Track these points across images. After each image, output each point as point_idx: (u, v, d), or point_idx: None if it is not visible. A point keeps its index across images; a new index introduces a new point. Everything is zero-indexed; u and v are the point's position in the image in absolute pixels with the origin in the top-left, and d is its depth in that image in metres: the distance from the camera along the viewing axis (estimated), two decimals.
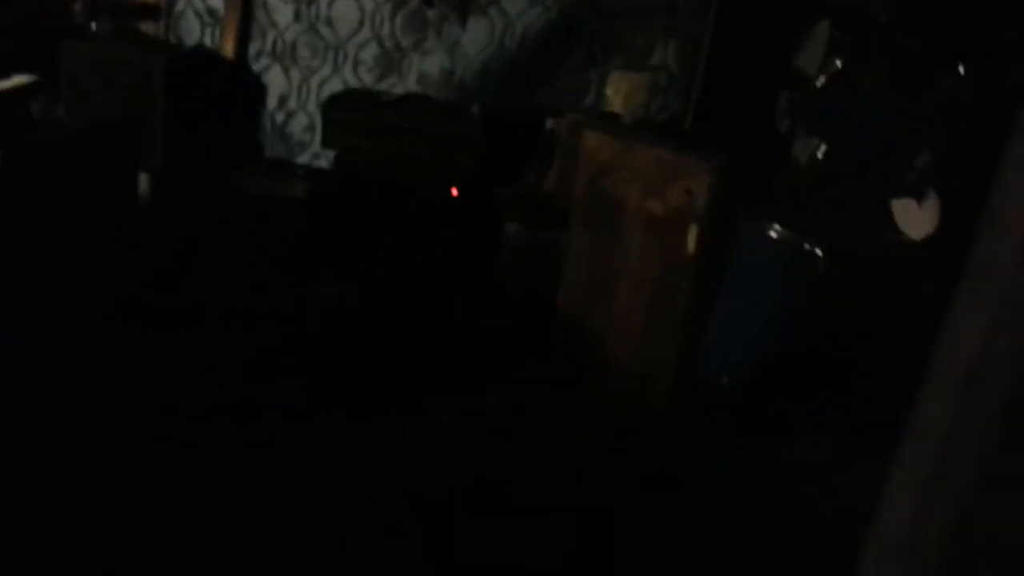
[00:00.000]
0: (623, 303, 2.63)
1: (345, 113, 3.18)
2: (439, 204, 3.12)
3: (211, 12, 3.66)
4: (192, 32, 3.74)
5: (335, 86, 3.61)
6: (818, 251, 2.13)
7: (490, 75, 3.52)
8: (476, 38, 3.50)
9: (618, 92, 3.39)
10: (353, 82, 3.61)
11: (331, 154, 3.33)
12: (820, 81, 2.36)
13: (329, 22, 3.59)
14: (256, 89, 3.70)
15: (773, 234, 2.24)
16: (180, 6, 3.73)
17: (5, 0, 3.75)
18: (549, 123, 3.29)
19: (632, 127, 2.71)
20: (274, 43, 3.66)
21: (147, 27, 3.93)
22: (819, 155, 2.31)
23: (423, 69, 3.56)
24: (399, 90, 3.54)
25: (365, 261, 3.19)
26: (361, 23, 3.57)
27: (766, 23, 3.10)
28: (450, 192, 3.13)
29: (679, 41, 3.39)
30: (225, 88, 3.64)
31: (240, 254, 3.21)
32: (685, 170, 2.36)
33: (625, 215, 2.53)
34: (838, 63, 2.31)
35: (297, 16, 3.61)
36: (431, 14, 3.49)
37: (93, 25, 3.73)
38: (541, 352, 2.83)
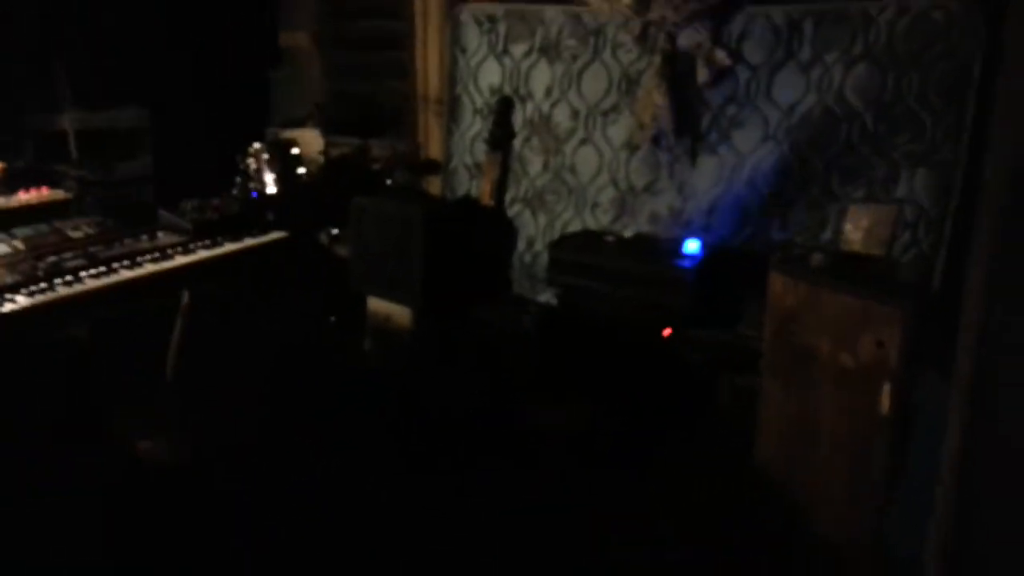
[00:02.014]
0: (821, 464, 2.34)
1: (567, 254, 3.34)
2: (650, 344, 3.09)
3: (477, 166, 4.14)
4: (462, 183, 4.25)
5: (576, 227, 3.82)
6: None
7: (718, 212, 3.45)
8: (705, 176, 3.49)
9: (858, 227, 3.07)
10: (592, 224, 3.79)
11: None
12: None
13: (572, 169, 3.84)
14: (509, 232, 4.04)
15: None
16: (454, 162, 4.27)
17: (333, 165, 4.63)
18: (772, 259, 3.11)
19: (830, 267, 2.44)
20: (526, 191, 4.01)
21: (432, 179, 4.59)
22: None
23: (654, 209, 3.62)
24: (632, 230, 3.62)
25: (582, 393, 3.24)
26: (600, 168, 3.76)
27: None
28: (662, 333, 3.09)
29: (928, 169, 3.03)
30: (482, 232, 4.02)
31: (471, 380, 3.45)
32: (874, 318, 2.09)
33: (816, 366, 2.29)
34: None
35: (546, 166, 3.93)
36: (663, 156, 3.57)
37: (388, 181, 4.42)
38: (737, 504, 2.61)
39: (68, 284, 2.52)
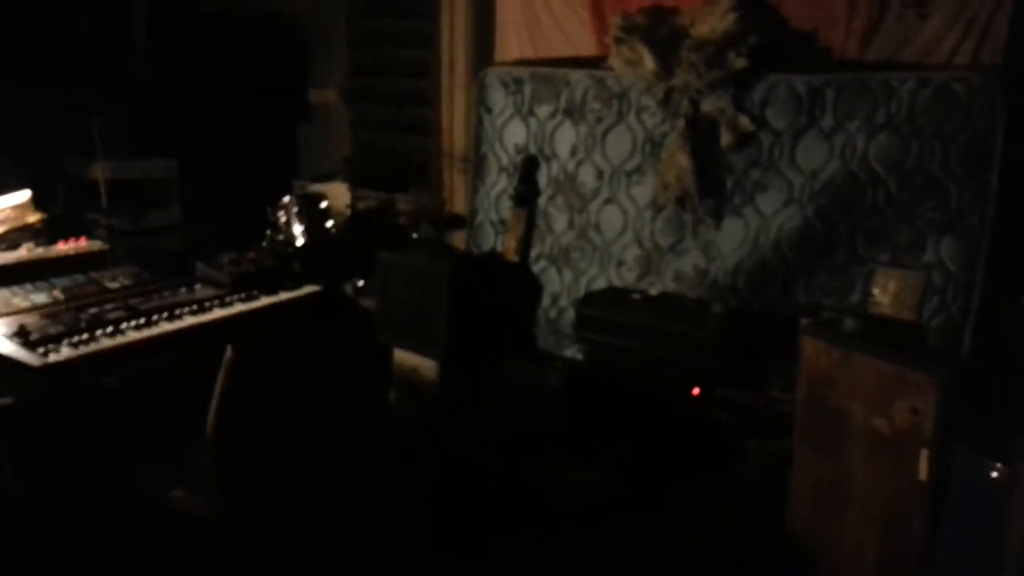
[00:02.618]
0: (853, 531, 2.34)
1: (594, 311, 3.38)
2: (678, 403, 3.11)
3: (502, 222, 4.20)
4: (487, 239, 4.31)
5: (600, 285, 3.86)
6: None
7: (743, 274, 3.50)
8: (730, 238, 3.54)
9: (886, 291, 3.15)
10: (616, 281, 3.83)
11: None
12: None
13: (597, 227, 3.91)
14: (534, 288, 4.09)
15: (994, 473, 1.86)
16: (479, 218, 4.34)
17: (360, 218, 4.71)
18: (803, 323, 3.15)
19: (862, 331, 2.47)
20: (551, 247, 4.07)
21: (457, 234, 4.66)
22: None
23: (679, 268, 3.67)
24: (656, 288, 3.67)
25: (608, 451, 3.24)
26: (625, 227, 3.82)
27: None
28: (691, 392, 3.11)
29: (955, 236, 3.08)
30: (506, 287, 4.07)
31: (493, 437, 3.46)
32: (908, 385, 2.12)
33: (849, 431, 2.31)
34: None
35: (571, 223, 3.99)
36: (688, 216, 3.63)
37: (414, 235, 4.49)
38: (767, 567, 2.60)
39: (110, 336, 2.57)
